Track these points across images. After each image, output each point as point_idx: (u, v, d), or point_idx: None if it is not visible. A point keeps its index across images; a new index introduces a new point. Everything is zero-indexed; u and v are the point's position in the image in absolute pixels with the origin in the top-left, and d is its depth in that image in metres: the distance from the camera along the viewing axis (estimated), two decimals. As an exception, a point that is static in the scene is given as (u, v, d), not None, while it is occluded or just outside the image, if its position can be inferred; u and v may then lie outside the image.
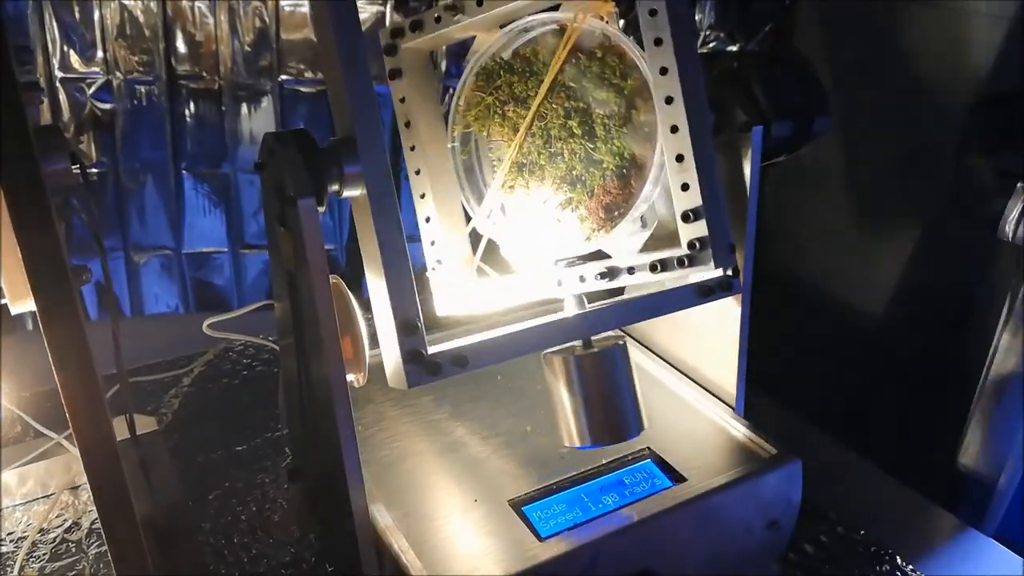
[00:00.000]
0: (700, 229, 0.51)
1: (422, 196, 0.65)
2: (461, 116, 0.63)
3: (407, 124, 0.65)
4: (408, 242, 0.52)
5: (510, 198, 0.62)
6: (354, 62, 0.50)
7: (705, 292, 0.61)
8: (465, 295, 0.64)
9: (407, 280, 0.51)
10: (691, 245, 0.52)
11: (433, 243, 0.65)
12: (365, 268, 0.52)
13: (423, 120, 0.65)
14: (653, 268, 0.54)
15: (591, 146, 0.56)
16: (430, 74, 0.67)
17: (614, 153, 0.56)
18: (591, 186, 0.57)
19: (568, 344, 0.59)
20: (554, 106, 0.58)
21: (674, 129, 0.52)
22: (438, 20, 0.62)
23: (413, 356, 0.51)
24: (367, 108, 0.51)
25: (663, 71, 0.52)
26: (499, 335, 0.55)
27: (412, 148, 0.65)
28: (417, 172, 0.65)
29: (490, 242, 0.64)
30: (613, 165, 0.56)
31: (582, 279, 0.57)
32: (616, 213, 0.56)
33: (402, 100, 0.66)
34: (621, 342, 0.60)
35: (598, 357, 0.58)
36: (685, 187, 0.52)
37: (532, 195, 0.60)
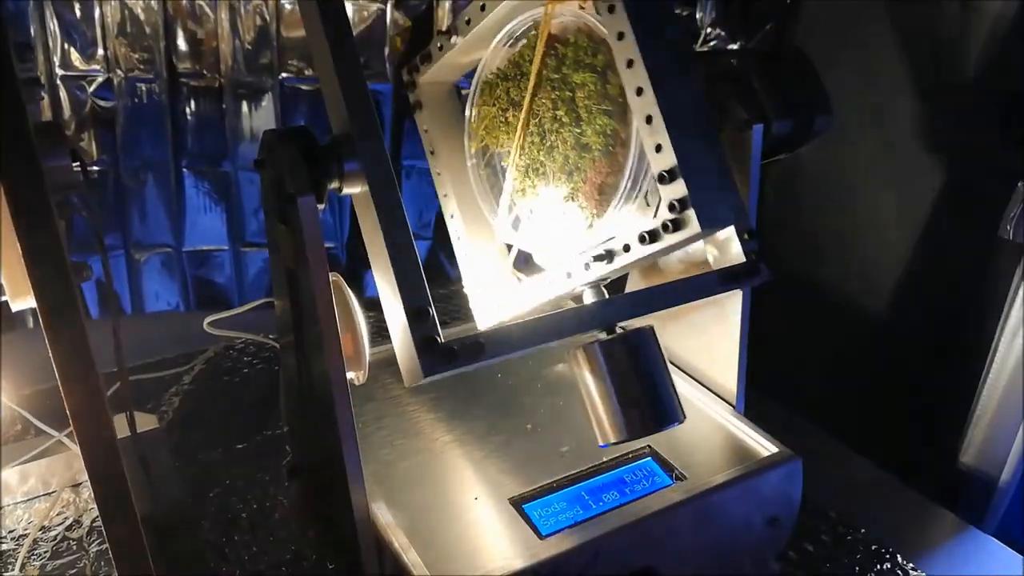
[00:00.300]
0: (679, 190, 0.50)
1: (451, 216, 0.68)
2: (475, 132, 0.64)
3: (432, 152, 0.68)
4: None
5: (526, 202, 0.62)
6: (345, 59, 0.51)
7: (729, 279, 0.59)
8: (502, 306, 0.65)
9: (415, 267, 0.50)
10: (671, 207, 0.50)
11: (467, 260, 0.67)
12: (371, 263, 0.52)
13: (446, 147, 0.68)
14: (642, 240, 0.52)
15: (578, 131, 0.57)
16: (452, 105, 0.68)
17: (598, 132, 0.56)
18: (584, 171, 0.57)
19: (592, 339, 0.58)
20: (544, 101, 0.58)
21: (639, 91, 0.51)
22: (440, 48, 0.65)
23: (426, 343, 0.49)
24: (361, 103, 0.51)
25: (620, 36, 0.51)
26: (516, 323, 0.54)
27: (439, 174, 0.68)
28: (445, 195, 0.68)
29: (527, 252, 0.65)
30: (600, 145, 0.56)
31: (587, 267, 0.57)
32: (610, 193, 0.56)
33: (426, 131, 0.68)
34: (648, 325, 0.58)
35: (624, 340, 0.56)
36: (659, 148, 0.51)
37: (542, 195, 0.60)
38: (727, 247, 0.62)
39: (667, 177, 0.50)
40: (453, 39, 0.64)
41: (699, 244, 0.65)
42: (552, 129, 0.58)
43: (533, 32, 0.59)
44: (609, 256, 0.55)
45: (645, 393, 0.56)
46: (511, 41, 0.61)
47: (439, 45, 0.65)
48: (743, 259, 0.62)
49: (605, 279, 0.58)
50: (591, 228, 0.58)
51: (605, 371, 0.56)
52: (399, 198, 0.50)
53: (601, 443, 0.57)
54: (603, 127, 0.55)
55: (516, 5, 0.59)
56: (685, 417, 0.57)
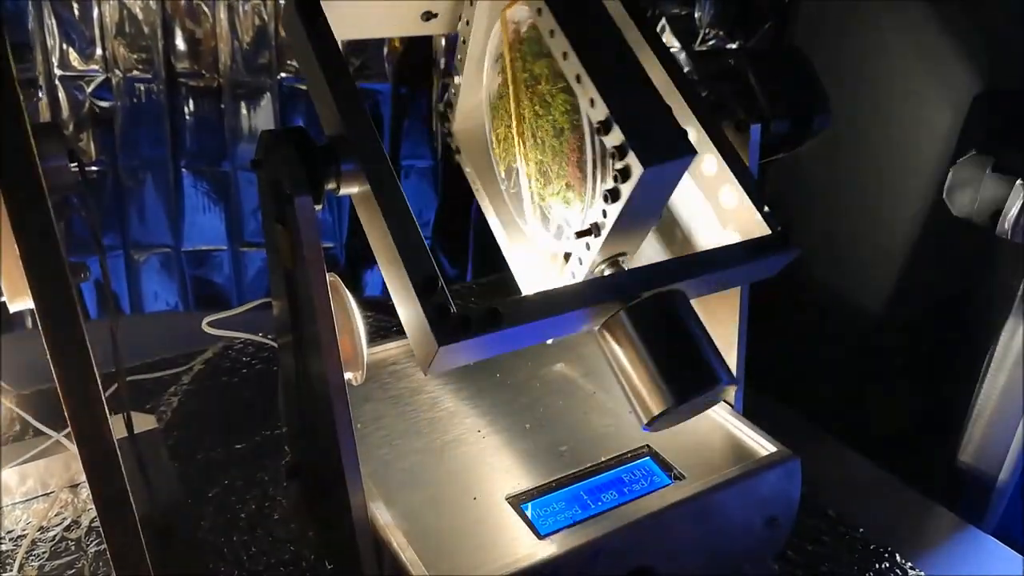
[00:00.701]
0: (616, 137, 0.50)
1: (505, 246, 0.69)
2: (498, 157, 0.65)
3: (478, 190, 0.70)
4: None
5: (547, 205, 0.62)
6: (330, 60, 0.52)
7: (757, 250, 0.57)
8: None
9: (420, 244, 0.48)
10: (613, 155, 0.50)
11: (524, 279, 0.67)
12: (376, 255, 0.51)
13: (487, 182, 0.69)
14: (605, 199, 0.52)
15: (551, 118, 0.57)
16: (486, 142, 0.69)
17: (563, 112, 0.56)
18: (566, 154, 0.57)
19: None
20: (525, 102, 0.59)
21: (565, 56, 0.52)
22: (454, 92, 0.67)
23: (439, 312, 0.46)
24: (352, 101, 0.51)
25: (539, 12, 0.53)
26: (533, 295, 0.52)
27: (487, 208, 0.70)
28: (495, 226, 0.70)
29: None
30: (567, 123, 0.56)
31: (588, 247, 0.56)
32: (586, 168, 0.56)
33: (469, 171, 0.71)
34: (677, 288, 0.55)
35: (651, 302, 0.53)
36: (592, 103, 0.51)
37: (553, 192, 0.60)
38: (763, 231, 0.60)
39: (602, 128, 0.50)
40: (456, 79, 0.66)
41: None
42: (538, 125, 0.59)
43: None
44: (596, 229, 0.55)
45: (685, 352, 0.52)
46: (497, 61, 0.62)
47: (452, 91, 0.68)
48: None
49: (620, 255, 0.57)
50: (584, 211, 0.57)
51: (636, 337, 0.52)
52: (400, 188, 0.50)
53: (644, 423, 0.53)
54: (564, 104, 0.56)
55: (487, 26, 0.61)
56: (735, 379, 0.54)
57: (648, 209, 0.55)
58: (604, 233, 0.54)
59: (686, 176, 0.62)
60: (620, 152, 0.50)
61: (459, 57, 0.65)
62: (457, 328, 0.46)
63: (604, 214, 0.54)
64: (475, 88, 0.66)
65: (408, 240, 0.48)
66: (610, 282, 0.55)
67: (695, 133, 0.60)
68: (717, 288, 0.60)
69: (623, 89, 0.52)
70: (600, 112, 0.51)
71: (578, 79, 0.52)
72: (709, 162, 0.61)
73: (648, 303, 0.53)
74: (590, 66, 0.51)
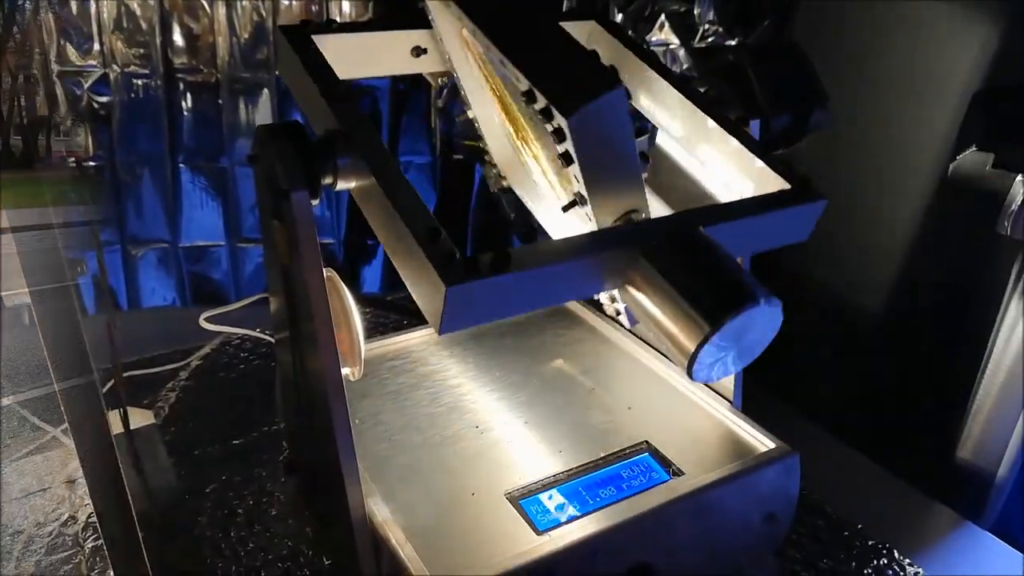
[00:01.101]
0: (540, 102, 0.50)
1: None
2: (529, 169, 0.66)
3: (539, 214, 0.72)
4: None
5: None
6: (318, 66, 0.54)
7: (775, 200, 0.55)
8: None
9: (421, 206, 0.47)
10: (543, 119, 0.51)
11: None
12: (383, 242, 0.51)
13: (541, 206, 0.71)
14: (562, 164, 0.52)
15: (523, 108, 0.57)
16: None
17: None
18: (544, 138, 0.57)
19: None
20: (512, 107, 0.59)
21: (488, 48, 0.54)
22: (479, 129, 0.70)
23: (446, 257, 0.44)
24: (345, 99, 0.52)
25: (460, 20, 0.56)
26: (544, 243, 0.52)
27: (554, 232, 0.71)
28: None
29: None
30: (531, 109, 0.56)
31: (589, 218, 0.56)
32: None
33: (522, 195, 0.73)
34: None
35: (671, 239, 0.50)
36: (518, 79, 0.52)
37: (559, 177, 0.60)
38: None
39: (528, 99, 0.51)
40: (470, 114, 0.68)
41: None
42: (528, 125, 0.59)
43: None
44: (580, 198, 0.54)
45: (714, 276, 0.48)
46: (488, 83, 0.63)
47: (477, 127, 0.70)
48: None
49: (631, 212, 0.56)
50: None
51: (658, 276, 0.48)
52: (399, 169, 0.49)
53: (685, 366, 0.48)
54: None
55: (461, 55, 0.62)
56: (777, 301, 0.48)
57: (611, 156, 0.53)
58: (587, 196, 0.53)
59: (712, 159, 0.61)
60: (546, 115, 0.50)
61: (462, 94, 0.66)
62: (465, 269, 0.44)
63: (576, 179, 0.53)
64: (490, 115, 0.67)
65: (410, 205, 0.47)
66: (623, 229, 0.53)
67: (710, 125, 0.60)
68: (745, 249, 0.59)
69: (539, 58, 0.52)
70: (523, 84, 0.51)
71: (503, 64, 0.52)
72: (732, 144, 0.60)
73: (671, 240, 0.49)
74: (506, 48, 0.52)
